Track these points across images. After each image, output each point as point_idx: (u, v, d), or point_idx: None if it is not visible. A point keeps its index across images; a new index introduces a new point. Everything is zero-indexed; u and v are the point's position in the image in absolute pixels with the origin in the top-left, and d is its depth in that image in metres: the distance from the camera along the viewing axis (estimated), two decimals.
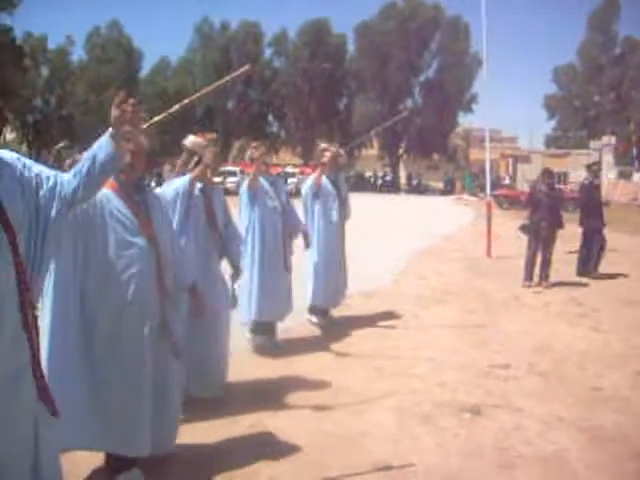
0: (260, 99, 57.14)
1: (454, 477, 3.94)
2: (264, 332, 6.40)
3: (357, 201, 9.85)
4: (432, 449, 4.31)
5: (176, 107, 3.43)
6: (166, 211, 3.98)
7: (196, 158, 4.84)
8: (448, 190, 49.53)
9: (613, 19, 59.84)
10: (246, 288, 6.10)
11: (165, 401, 3.68)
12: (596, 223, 11.41)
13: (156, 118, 3.38)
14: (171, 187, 4.79)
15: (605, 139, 46.14)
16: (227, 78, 4.11)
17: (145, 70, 57.24)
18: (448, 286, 10.21)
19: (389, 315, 8.00)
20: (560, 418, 4.87)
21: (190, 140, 4.95)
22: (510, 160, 48.09)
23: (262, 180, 6.20)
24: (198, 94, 3.80)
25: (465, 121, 64.98)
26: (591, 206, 11.49)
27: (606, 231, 11.68)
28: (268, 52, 58.92)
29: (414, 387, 5.47)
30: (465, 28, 54.37)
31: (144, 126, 3.07)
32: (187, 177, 4.75)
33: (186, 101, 3.53)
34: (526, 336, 7.22)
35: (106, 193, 3.38)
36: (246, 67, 3.97)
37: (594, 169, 12.30)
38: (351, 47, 58.03)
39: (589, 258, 11.34)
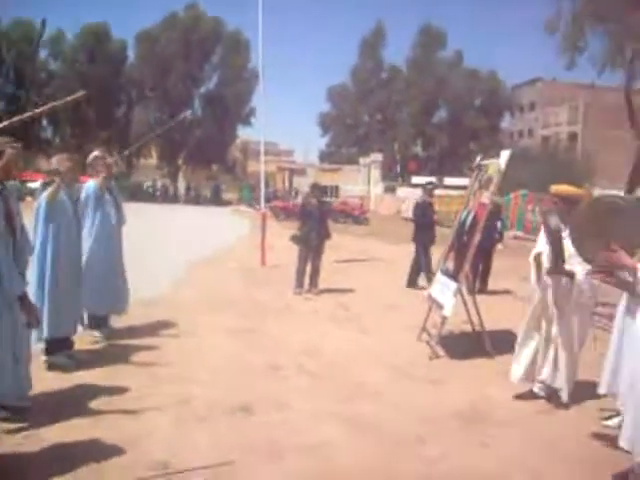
0: (35, 102, 53.52)
1: (230, 471, 4.18)
2: (58, 348, 6.19)
3: (134, 210, 9.75)
4: (208, 447, 4.52)
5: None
6: None
7: None
8: (214, 199, 50.52)
9: (380, 46, 65.24)
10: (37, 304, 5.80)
11: None
12: (427, 238, 12.28)
13: None
14: None
15: (373, 156, 49.97)
16: (60, 102, 4.29)
17: None
18: (224, 294, 10.46)
19: (167, 323, 8.05)
20: (326, 412, 5.32)
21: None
22: (286, 173, 49.95)
23: (62, 194, 5.98)
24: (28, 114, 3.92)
25: (244, 134, 66.53)
26: (424, 223, 12.40)
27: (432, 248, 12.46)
28: (43, 53, 55.46)
29: (191, 391, 5.62)
30: (245, 43, 55.61)
31: None
32: None
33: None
34: (297, 339, 7.68)
35: None
36: (80, 93, 4.18)
37: (428, 188, 13.17)
38: (131, 54, 56.76)
39: (426, 270, 12.01)
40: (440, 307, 7.33)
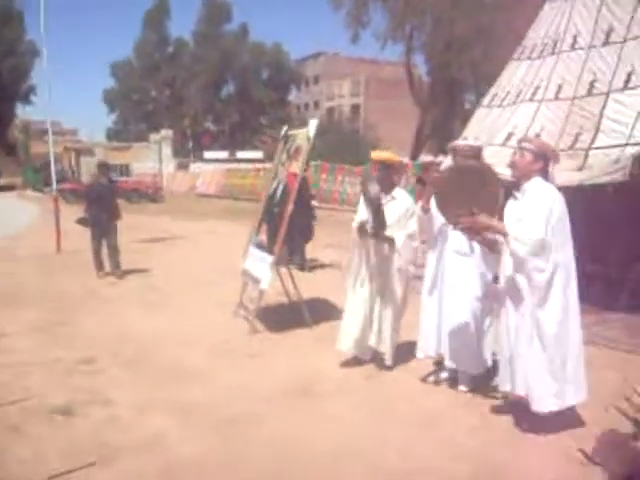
0: None
1: None
2: None
3: None
4: (29, 458, 4.01)
5: None
6: None
7: None
8: None
9: (165, 19, 63.14)
10: None
11: None
12: (306, 216, 11.80)
13: None
14: None
15: (163, 132, 48.52)
16: None
17: None
18: (20, 286, 9.52)
19: None
20: (151, 402, 4.98)
21: None
22: (73, 153, 46.91)
23: None
24: None
25: (24, 113, 61.28)
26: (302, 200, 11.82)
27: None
28: None
29: None
30: (19, 15, 50.92)
31: None
32: None
33: None
34: (107, 328, 7.18)
35: None
36: None
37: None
38: None
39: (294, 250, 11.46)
40: (257, 281, 7.20)
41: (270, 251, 7.18)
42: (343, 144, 37.55)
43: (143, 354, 6.22)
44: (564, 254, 4.45)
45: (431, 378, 5.64)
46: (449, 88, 24.49)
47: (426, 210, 5.36)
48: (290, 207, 6.97)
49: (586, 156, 8.28)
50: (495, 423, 4.73)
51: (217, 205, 28.88)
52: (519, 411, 4.67)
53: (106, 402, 4.94)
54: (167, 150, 47.11)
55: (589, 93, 8.96)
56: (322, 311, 7.91)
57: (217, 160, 45.89)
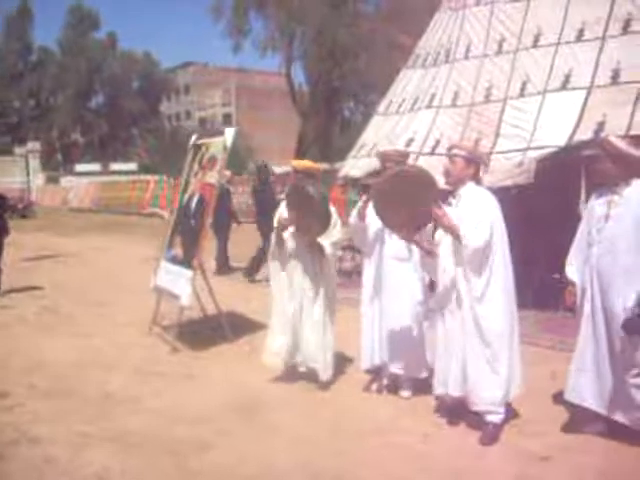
0: None
1: None
2: None
3: None
4: None
5: None
6: None
7: None
8: None
9: (28, 27, 59.90)
10: None
11: None
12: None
13: None
14: None
15: (30, 145, 46.05)
16: None
17: None
18: None
19: None
20: (84, 436, 4.56)
21: None
22: None
23: None
24: None
25: None
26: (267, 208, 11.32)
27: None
28: None
29: None
30: None
31: None
32: None
33: None
34: (13, 357, 6.53)
35: None
36: None
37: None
38: None
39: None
40: (175, 297, 6.86)
41: (188, 265, 6.85)
42: None
43: (62, 383, 5.70)
44: (503, 253, 4.55)
45: (374, 387, 5.56)
46: (329, 97, 24.83)
47: (363, 217, 5.32)
48: (209, 219, 6.71)
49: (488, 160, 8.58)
50: (446, 428, 4.72)
51: (94, 219, 27.65)
52: (460, 413, 4.71)
53: (34, 440, 4.45)
54: (35, 163, 44.66)
55: (486, 100, 9.29)
56: (240, 324, 7.69)
57: (89, 173, 44.07)
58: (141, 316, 7.77)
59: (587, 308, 4.49)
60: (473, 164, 4.68)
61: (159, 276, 7.50)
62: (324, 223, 5.27)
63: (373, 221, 5.25)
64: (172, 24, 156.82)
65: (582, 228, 4.57)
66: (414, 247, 5.03)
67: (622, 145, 4.22)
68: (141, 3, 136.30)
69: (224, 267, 11.99)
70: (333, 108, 25.60)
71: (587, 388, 4.46)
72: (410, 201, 4.53)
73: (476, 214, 4.45)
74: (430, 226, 4.76)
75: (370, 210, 5.20)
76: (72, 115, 58.27)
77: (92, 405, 5.17)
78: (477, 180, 4.76)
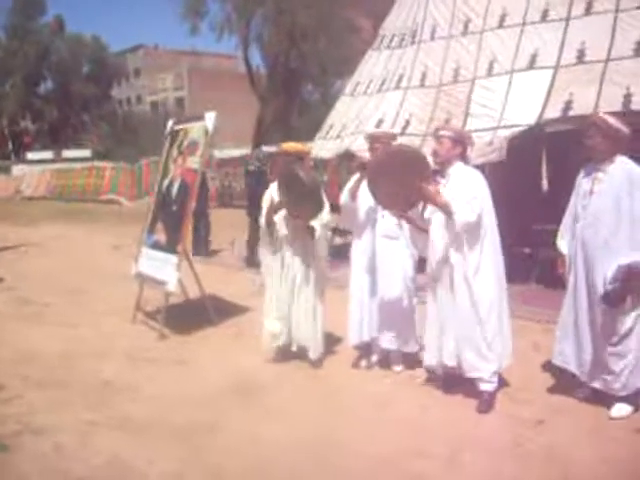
0: None
1: None
2: None
3: None
4: None
5: None
6: None
7: None
8: None
9: None
10: None
11: None
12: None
13: None
14: None
15: None
16: None
17: None
18: None
19: None
20: (89, 423, 4.59)
21: None
22: None
23: None
24: None
25: None
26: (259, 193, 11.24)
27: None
28: None
29: None
30: None
31: None
32: None
33: None
34: (1, 349, 6.49)
35: None
36: None
37: (262, 155, 12.25)
38: None
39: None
40: (161, 283, 6.87)
41: (173, 251, 6.88)
42: None
43: (56, 372, 5.70)
44: (492, 229, 4.75)
45: (363, 363, 5.71)
46: (288, 79, 24.79)
47: (355, 197, 5.45)
48: (193, 204, 6.73)
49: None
50: (442, 399, 4.90)
51: (51, 208, 27.05)
52: (452, 384, 4.92)
53: (39, 431, 4.46)
54: None
55: (454, 80, 9.45)
56: (223, 307, 7.76)
57: (42, 161, 43.10)
58: (122, 304, 7.77)
59: (571, 279, 4.70)
60: (460, 144, 4.86)
61: (140, 262, 7.50)
62: (317, 207, 5.38)
63: (364, 200, 5.38)
64: (121, 6, 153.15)
65: (571, 203, 4.76)
66: (404, 225, 5.21)
67: (613, 121, 4.42)
68: None
69: (204, 250, 12.24)
70: (292, 90, 25.58)
71: (570, 354, 4.70)
72: (403, 179, 4.69)
73: (466, 191, 4.63)
74: (420, 204, 4.92)
75: (361, 190, 5.34)
76: (21, 102, 56.67)
77: (91, 393, 5.19)
78: (465, 160, 4.95)
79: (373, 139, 5.57)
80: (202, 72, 65.47)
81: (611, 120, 4.44)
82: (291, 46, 21.95)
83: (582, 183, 4.65)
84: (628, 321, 4.35)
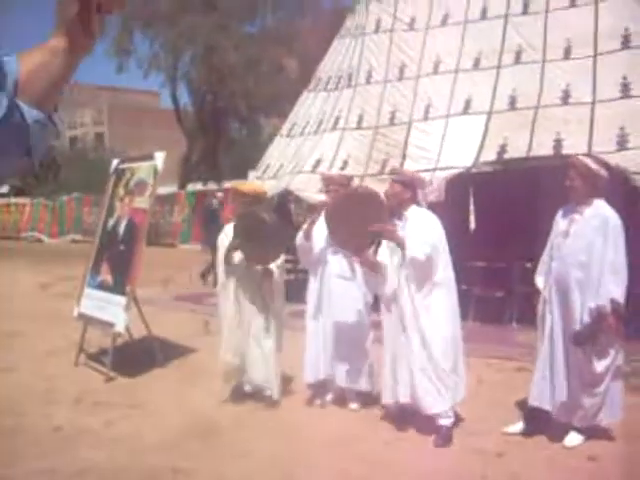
0: None
1: None
2: None
3: None
4: None
5: None
6: None
7: None
8: None
9: None
10: None
11: None
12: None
13: None
14: None
15: None
16: None
17: None
18: None
19: None
20: (50, 472, 4.45)
21: None
22: None
23: None
24: None
25: None
26: (215, 227, 10.97)
27: None
28: None
29: None
30: None
31: None
32: None
33: None
34: None
35: None
36: None
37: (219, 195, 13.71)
38: None
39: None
40: (109, 325, 6.75)
41: (121, 291, 6.78)
42: (89, 174, 35.71)
43: (3, 418, 5.49)
44: (446, 268, 4.95)
45: (317, 402, 5.77)
46: (215, 117, 24.88)
47: (309, 237, 5.56)
48: (143, 245, 6.69)
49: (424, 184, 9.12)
50: (402, 435, 5.01)
51: None
52: (407, 420, 5.05)
53: None
54: None
55: (391, 123, 9.82)
56: (167, 347, 7.66)
57: None
58: (60, 345, 7.60)
59: (548, 319, 4.77)
60: (410, 188, 5.06)
61: (84, 304, 7.34)
62: (279, 250, 5.44)
63: (318, 241, 5.51)
64: (35, 38, 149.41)
65: (549, 240, 4.88)
66: (357, 266, 5.35)
67: (593, 165, 4.59)
68: None
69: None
70: (219, 127, 25.68)
71: (546, 395, 4.74)
72: (361, 220, 4.84)
73: (421, 233, 4.82)
74: (373, 247, 5.09)
75: (315, 230, 5.47)
76: None
77: (45, 440, 5.02)
78: (417, 202, 5.17)
79: (329, 181, 5.73)
80: (123, 108, 64.61)
81: (591, 164, 4.61)
82: (220, 84, 22.12)
83: (559, 223, 4.77)
84: (603, 362, 4.47)
